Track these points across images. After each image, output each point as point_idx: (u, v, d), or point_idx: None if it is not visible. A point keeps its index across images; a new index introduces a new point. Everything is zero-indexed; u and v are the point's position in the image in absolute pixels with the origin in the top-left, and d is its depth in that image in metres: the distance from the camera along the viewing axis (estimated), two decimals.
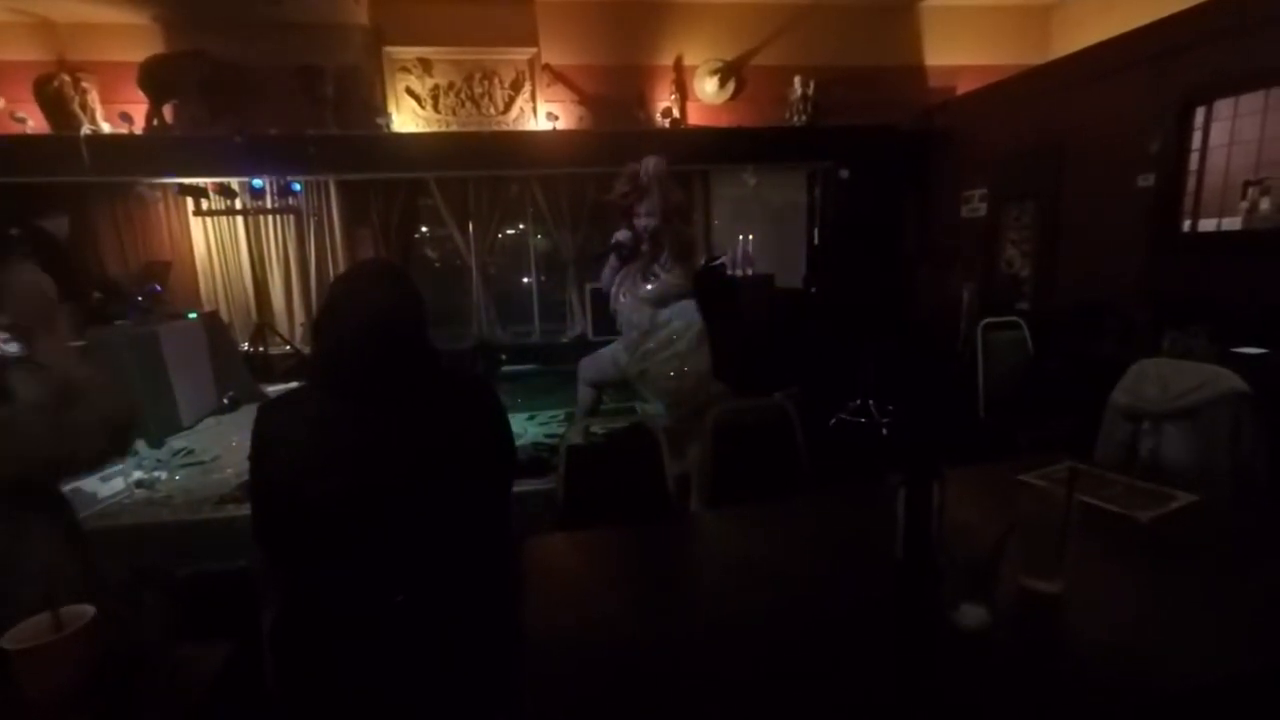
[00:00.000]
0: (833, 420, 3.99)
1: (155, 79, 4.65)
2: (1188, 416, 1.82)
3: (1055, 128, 4.17)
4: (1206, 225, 3.39)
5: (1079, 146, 4.03)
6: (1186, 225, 3.46)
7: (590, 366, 3.00)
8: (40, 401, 1.24)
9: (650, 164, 2.66)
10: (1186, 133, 3.40)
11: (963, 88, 5.47)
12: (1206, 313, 2.75)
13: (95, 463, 1.22)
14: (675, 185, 2.73)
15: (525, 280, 6.10)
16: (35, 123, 4.65)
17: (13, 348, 1.26)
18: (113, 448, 1.24)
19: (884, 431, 3.86)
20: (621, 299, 2.79)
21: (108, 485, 3.07)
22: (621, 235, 2.76)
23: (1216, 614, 1.01)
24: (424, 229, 5.87)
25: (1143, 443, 1.90)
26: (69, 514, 1.26)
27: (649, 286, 2.74)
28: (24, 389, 1.24)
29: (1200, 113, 3.36)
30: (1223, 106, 3.26)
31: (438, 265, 6.06)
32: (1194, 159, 3.40)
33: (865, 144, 5.28)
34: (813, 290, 5.62)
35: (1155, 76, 3.53)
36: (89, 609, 0.84)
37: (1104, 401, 2.05)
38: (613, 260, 2.81)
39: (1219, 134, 3.30)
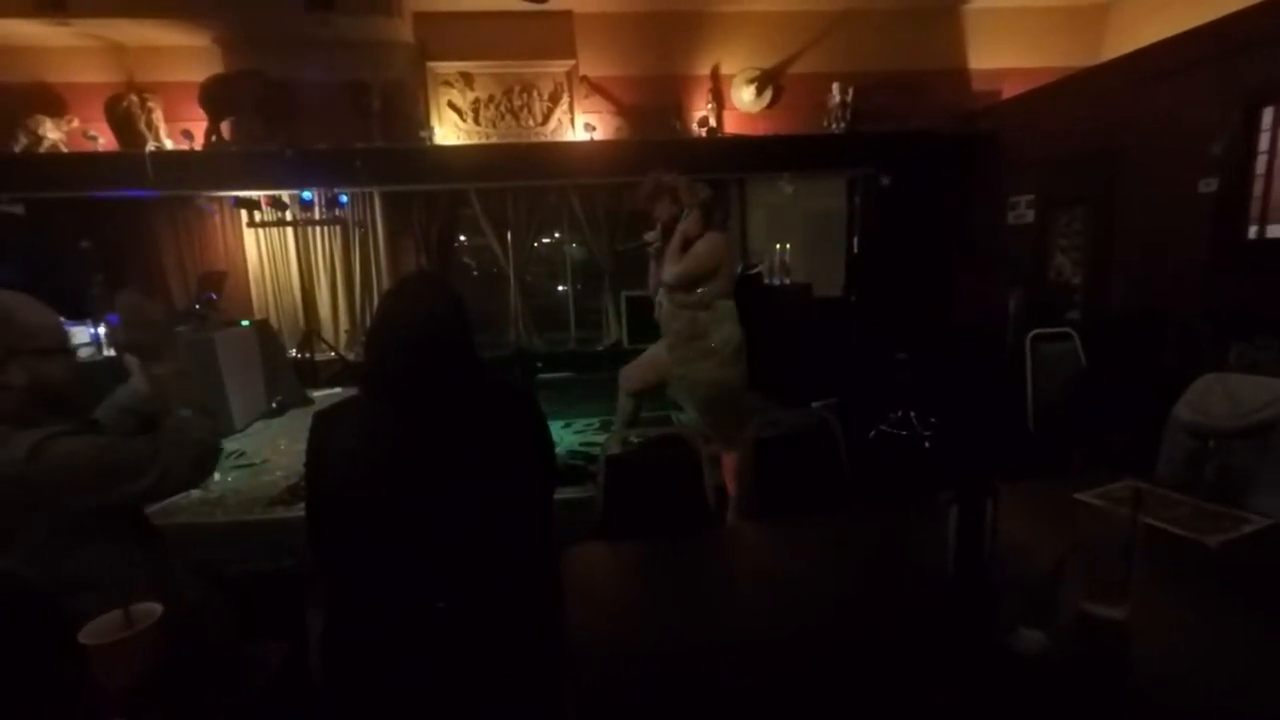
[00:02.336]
0: (872, 432, 3.91)
1: (214, 97, 4.89)
2: (1260, 434, 1.71)
3: (1110, 131, 4.02)
4: (1275, 231, 3.22)
5: (1135, 150, 3.87)
6: (1253, 231, 3.30)
7: (632, 375, 3.00)
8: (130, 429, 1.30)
9: (658, 172, 2.80)
10: (1253, 134, 3.25)
11: (1008, 91, 5.33)
12: (1275, 324, 2.60)
13: (179, 489, 1.25)
14: (695, 185, 2.74)
15: (561, 288, 6.17)
16: (105, 140, 4.94)
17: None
18: (196, 475, 1.26)
19: (926, 445, 3.76)
20: (664, 304, 2.80)
21: None
22: (649, 235, 2.82)
23: None
24: (463, 238, 6.01)
25: (1209, 462, 1.80)
26: (149, 526, 1.32)
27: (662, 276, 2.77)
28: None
29: (1268, 113, 3.20)
30: None
31: (476, 273, 6.19)
32: (1261, 162, 3.24)
33: (906, 150, 5.19)
34: (852, 299, 5.54)
35: (1219, 76, 3.37)
36: (157, 607, 0.88)
37: (1163, 417, 1.95)
38: (652, 265, 2.84)
39: None
